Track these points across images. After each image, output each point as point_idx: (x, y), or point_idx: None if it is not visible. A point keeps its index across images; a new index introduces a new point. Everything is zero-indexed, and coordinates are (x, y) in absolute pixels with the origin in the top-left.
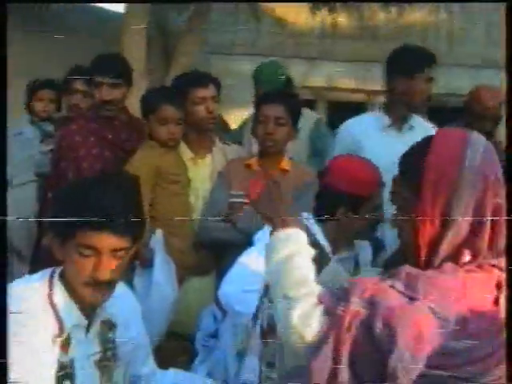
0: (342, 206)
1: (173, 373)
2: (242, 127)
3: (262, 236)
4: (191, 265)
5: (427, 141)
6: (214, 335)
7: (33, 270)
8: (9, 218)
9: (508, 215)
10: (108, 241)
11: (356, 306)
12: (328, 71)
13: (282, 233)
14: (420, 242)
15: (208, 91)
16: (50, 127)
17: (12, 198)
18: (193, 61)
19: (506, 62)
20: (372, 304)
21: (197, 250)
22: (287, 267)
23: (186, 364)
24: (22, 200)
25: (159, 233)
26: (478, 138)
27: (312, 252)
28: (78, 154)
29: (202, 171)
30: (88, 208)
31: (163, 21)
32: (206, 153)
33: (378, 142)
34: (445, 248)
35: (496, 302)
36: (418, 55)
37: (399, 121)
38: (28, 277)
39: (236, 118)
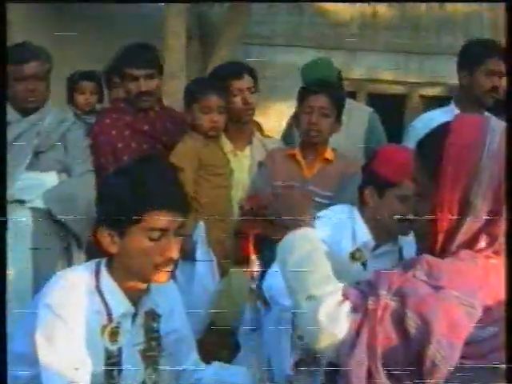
0: (368, 186)
1: (216, 366)
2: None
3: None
4: (232, 256)
5: (445, 126)
6: (257, 329)
7: (89, 259)
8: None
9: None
10: (173, 220)
11: (385, 298)
12: (368, 63)
13: (295, 233)
14: (438, 228)
15: (243, 82)
16: (93, 120)
17: (72, 188)
18: (232, 53)
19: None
20: (401, 296)
21: (238, 241)
22: (307, 267)
23: (228, 358)
24: (82, 190)
25: (201, 225)
26: (497, 123)
27: (326, 248)
28: (117, 147)
29: (241, 163)
30: (140, 192)
31: (203, 12)
32: (246, 145)
33: None
34: (463, 234)
35: None
36: (478, 47)
37: None
38: (75, 267)
39: (276, 109)
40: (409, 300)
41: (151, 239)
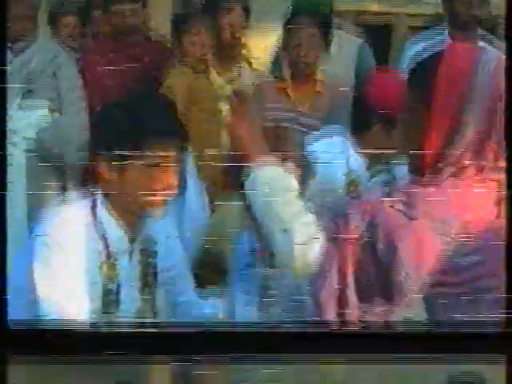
0: (379, 121)
1: (213, 301)
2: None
3: None
4: (220, 184)
5: (438, 55)
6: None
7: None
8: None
9: (507, 214)
10: (172, 148)
11: (357, 230)
12: None
13: (269, 169)
14: (427, 148)
15: (234, 16)
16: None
17: (68, 127)
18: None
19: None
20: (373, 226)
21: (227, 172)
22: (280, 201)
23: (222, 289)
24: (78, 129)
25: (190, 158)
26: (490, 53)
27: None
28: (104, 83)
29: (229, 96)
30: (140, 122)
31: None
32: (235, 79)
33: None
34: (451, 164)
35: (498, 216)
36: None
37: None
38: (71, 203)
39: (259, 43)
40: (379, 231)
41: (151, 166)
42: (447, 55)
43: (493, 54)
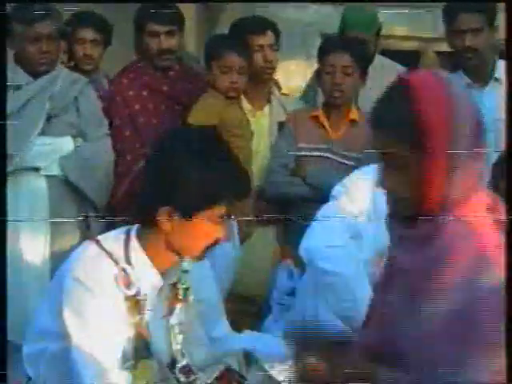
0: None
1: (248, 335)
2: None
3: (344, 189)
4: (253, 218)
5: (401, 91)
6: (290, 293)
7: (109, 226)
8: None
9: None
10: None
11: None
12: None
13: None
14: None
15: (266, 38)
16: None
17: (90, 154)
18: (239, 8)
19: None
20: None
21: (257, 202)
22: None
23: (251, 326)
24: (100, 155)
25: None
26: (455, 75)
27: None
28: (134, 108)
29: (260, 123)
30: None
31: None
32: (264, 104)
33: None
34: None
35: None
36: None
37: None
38: (104, 235)
39: (284, 67)
40: None
41: (216, 223)
42: (416, 85)
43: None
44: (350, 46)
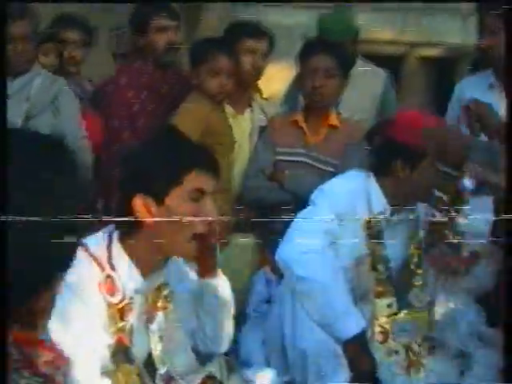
0: (399, 158)
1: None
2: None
3: (323, 194)
4: (231, 225)
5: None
6: (268, 300)
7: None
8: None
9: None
10: (211, 182)
11: None
12: (363, 21)
13: None
14: None
15: (260, 44)
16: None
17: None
18: (222, 11)
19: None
20: None
21: (236, 208)
22: None
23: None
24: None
25: None
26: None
27: None
28: (133, 110)
29: (241, 127)
30: (175, 155)
31: None
32: (245, 108)
33: None
34: None
35: None
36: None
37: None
38: (89, 238)
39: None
40: None
41: (193, 200)
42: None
43: None
44: (331, 49)
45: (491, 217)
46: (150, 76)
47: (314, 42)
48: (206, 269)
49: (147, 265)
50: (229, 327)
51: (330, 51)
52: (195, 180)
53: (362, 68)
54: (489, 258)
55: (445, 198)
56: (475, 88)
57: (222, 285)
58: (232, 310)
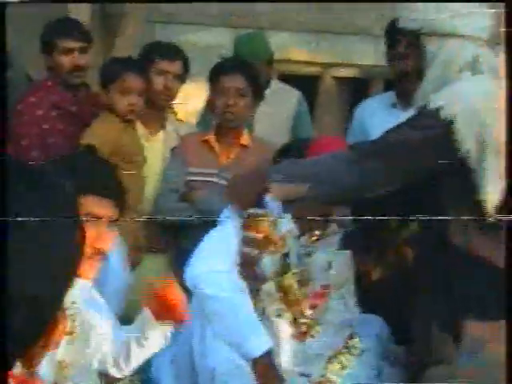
0: None
1: None
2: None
3: (231, 214)
4: (144, 245)
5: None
6: None
7: None
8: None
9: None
10: (108, 208)
11: None
12: (279, 42)
13: None
14: None
15: (173, 66)
16: None
17: None
18: (139, 32)
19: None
20: None
21: (149, 229)
22: None
23: None
24: None
25: None
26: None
27: None
28: (42, 128)
29: (153, 148)
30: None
31: None
32: (159, 129)
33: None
34: None
35: None
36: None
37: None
38: None
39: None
40: None
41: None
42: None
43: None
44: (242, 69)
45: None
46: (60, 95)
47: (225, 61)
48: None
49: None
50: (138, 350)
51: (241, 71)
52: (90, 204)
53: (276, 88)
54: (341, 288)
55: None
56: (377, 108)
57: None
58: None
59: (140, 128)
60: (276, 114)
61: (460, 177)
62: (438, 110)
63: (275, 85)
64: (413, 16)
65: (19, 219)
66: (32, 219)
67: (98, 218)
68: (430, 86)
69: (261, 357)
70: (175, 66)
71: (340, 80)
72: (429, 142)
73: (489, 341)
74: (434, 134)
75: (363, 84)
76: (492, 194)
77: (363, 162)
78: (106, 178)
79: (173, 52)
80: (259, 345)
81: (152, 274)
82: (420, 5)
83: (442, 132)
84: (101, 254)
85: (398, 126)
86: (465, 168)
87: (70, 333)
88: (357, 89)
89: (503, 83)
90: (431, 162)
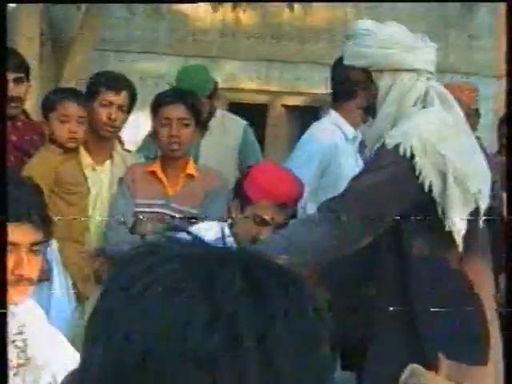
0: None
1: None
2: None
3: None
4: (89, 276)
5: None
6: None
7: None
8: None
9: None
10: (27, 234)
11: None
12: (229, 71)
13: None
14: None
15: (118, 98)
16: None
17: None
18: (88, 59)
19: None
20: None
21: (94, 260)
22: None
23: None
24: None
25: (55, 243)
26: None
27: None
28: None
29: (100, 179)
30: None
31: (55, 15)
32: (105, 159)
33: None
34: None
35: None
36: None
37: None
38: None
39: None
40: None
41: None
42: None
43: None
44: (183, 98)
45: None
46: None
47: (166, 92)
48: None
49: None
50: None
51: (182, 101)
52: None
53: (221, 119)
54: None
55: None
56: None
57: None
58: None
59: (85, 158)
60: (222, 144)
61: (427, 210)
62: (396, 146)
63: (221, 115)
64: (362, 52)
65: None
66: None
67: (17, 244)
68: (383, 124)
69: None
70: (120, 98)
71: (289, 108)
72: (395, 180)
73: None
74: (397, 171)
75: (312, 112)
76: (458, 223)
77: (336, 220)
78: (26, 201)
79: (119, 83)
80: None
81: None
82: (369, 40)
83: (404, 168)
84: (28, 280)
85: (361, 173)
86: (431, 201)
87: (25, 362)
88: (306, 117)
89: (453, 109)
90: (402, 200)
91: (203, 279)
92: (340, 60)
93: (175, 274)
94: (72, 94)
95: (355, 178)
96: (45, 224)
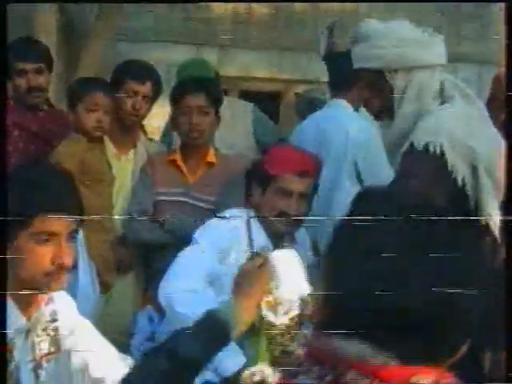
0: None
1: None
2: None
3: (205, 233)
4: (113, 265)
5: None
6: (151, 339)
7: None
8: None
9: (508, 213)
10: (65, 223)
11: None
12: (241, 60)
13: None
14: None
15: (143, 88)
16: None
17: None
18: (104, 50)
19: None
20: None
21: (117, 249)
22: None
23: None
24: None
25: (80, 232)
26: None
27: None
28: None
29: (124, 168)
30: (27, 195)
31: (73, 9)
32: (130, 148)
33: None
34: None
35: None
36: None
37: None
38: None
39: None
40: None
41: (39, 243)
42: None
43: None
44: (204, 86)
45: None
46: (20, 115)
47: (187, 80)
48: None
49: (27, 302)
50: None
51: (203, 89)
52: (44, 222)
53: (227, 104)
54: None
55: None
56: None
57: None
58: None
59: (110, 147)
60: (233, 128)
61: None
62: (426, 145)
63: (227, 101)
64: (375, 54)
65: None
66: None
67: (57, 234)
68: (404, 123)
69: (234, 375)
70: (145, 88)
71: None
72: (430, 180)
73: None
74: (430, 170)
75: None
76: (493, 215)
77: None
78: (61, 192)
79: (144, 73)
80: (232, 364)
81: (124, 300)
82: (381, 41)
83: (437, 166)
84: (67, 269)
85: (397, 179)
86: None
87: (56, 350)
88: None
89: (473, 101)
90: (440, 199)
91: None
92: (330, 53)
93: None
94: (99, 83)
95: (392, 183)
96: (79, 212)
